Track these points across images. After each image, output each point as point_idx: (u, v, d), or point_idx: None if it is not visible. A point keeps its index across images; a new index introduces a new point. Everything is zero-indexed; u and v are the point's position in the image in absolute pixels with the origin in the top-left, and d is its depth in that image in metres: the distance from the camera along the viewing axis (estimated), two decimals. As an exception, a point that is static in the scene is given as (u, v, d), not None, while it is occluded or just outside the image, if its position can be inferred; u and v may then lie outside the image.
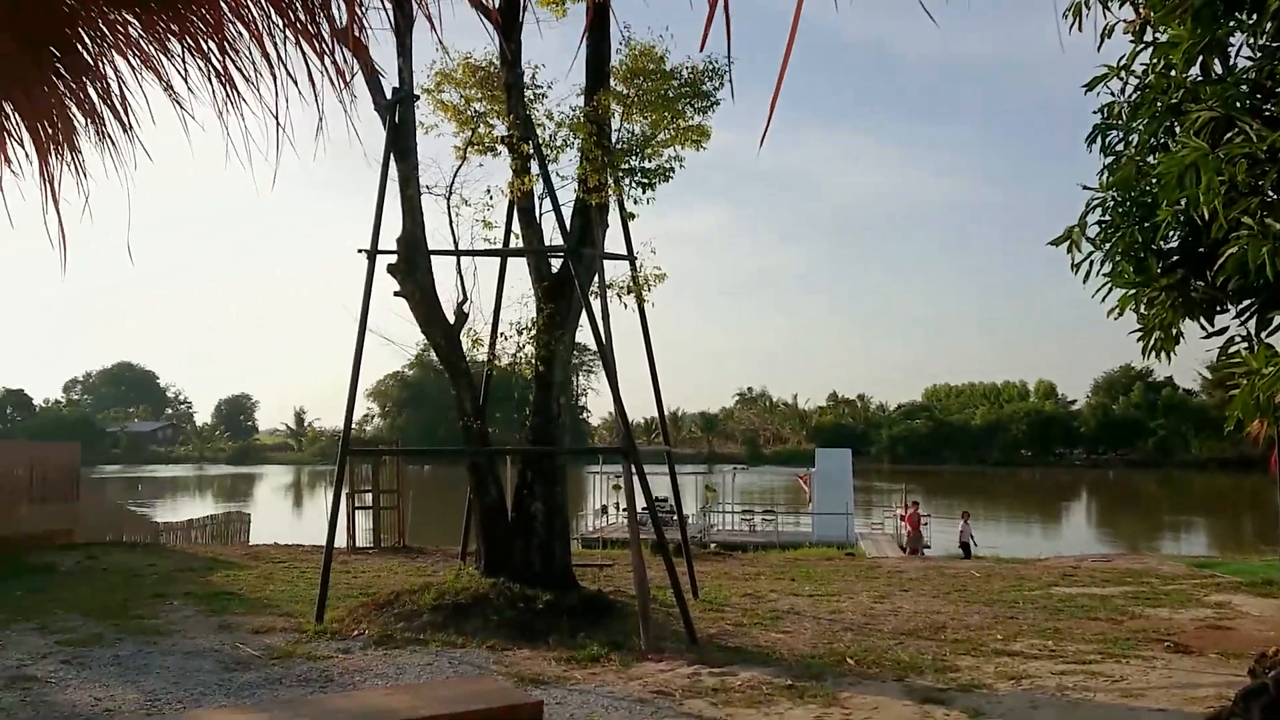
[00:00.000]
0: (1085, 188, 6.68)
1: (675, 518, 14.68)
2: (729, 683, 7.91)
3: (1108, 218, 6.61)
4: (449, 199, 12.04)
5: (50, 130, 3.25)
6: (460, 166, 12.03)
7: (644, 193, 11.62)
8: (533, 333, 11.64)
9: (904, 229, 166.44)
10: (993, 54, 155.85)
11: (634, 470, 10.61)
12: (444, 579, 11.47)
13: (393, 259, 11.37)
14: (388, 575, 14.11)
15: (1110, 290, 6.59)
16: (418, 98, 11.76)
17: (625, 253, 12.58)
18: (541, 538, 11.00)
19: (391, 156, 11.36)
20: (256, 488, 71.28)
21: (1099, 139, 6.73)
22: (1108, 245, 6.54)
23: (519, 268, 12.78)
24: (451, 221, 12.05)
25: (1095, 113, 6.76)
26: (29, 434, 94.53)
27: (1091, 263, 6.57)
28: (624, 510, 27.66)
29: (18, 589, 12.59)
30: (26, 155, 3.39)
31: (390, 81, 11.24)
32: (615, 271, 12.44)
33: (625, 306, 12.26)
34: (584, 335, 12.32)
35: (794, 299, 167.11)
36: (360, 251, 11.53)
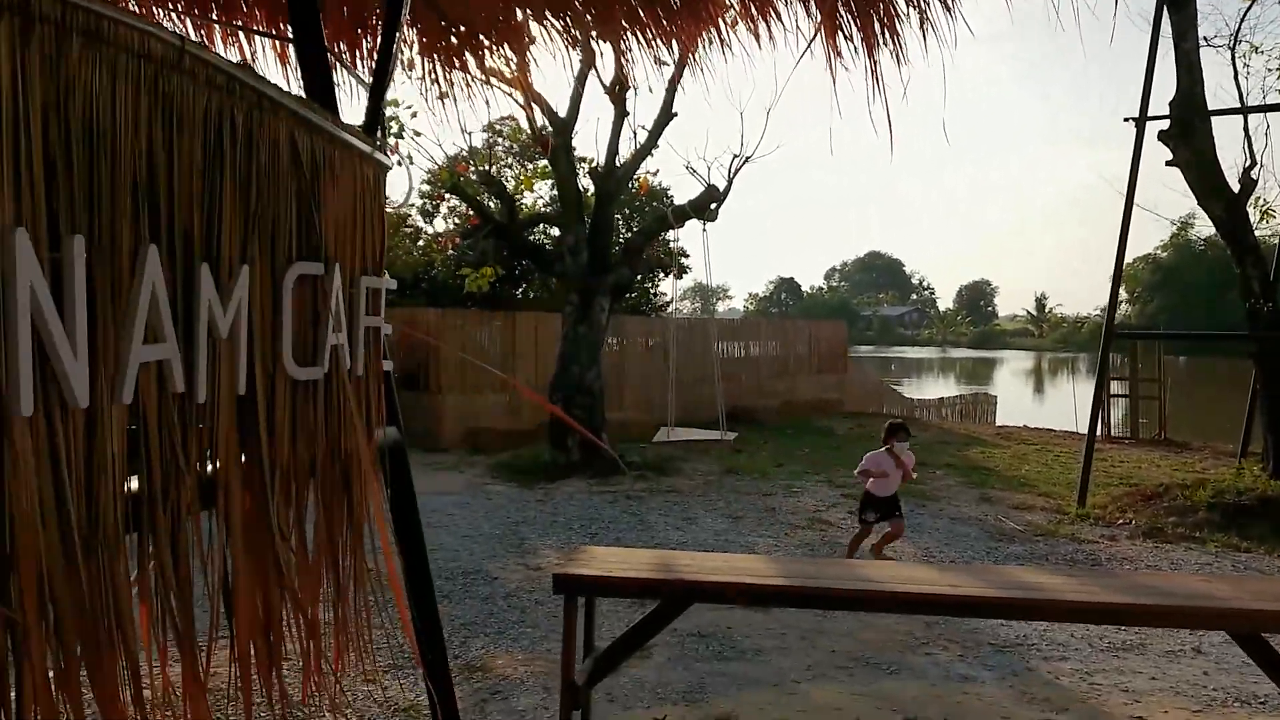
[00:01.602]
0: None
1: None
2: None
3: None
4: (1233, 49, 10.51)
5: (876, 22, 3.53)
6: (1248, 9, 10.37)
7: None
8: (1348, 198, 9.69)
9: None
10: None
11: None
12: (1220, 477, 10.42)
13: (1164, 125, 10.34)
14: (1149, 467, 13.28)
15: None
16: (1200, -66, 10.35)
17: None
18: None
19: (1164, 9, 10.23)
20: (996, 371, 72.26)
21: None
22: None
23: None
24: (1237, 75, 10.52)
25: None
26: (797, 316, 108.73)
27: None
28: None
29: (805, 446, 14.68)
30: (854, 50, 3.73)
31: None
32: None
33: None
34: None
35: None
36: (1127, 120, 10.70)
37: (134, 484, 1.37)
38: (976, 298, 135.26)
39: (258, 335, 1.63)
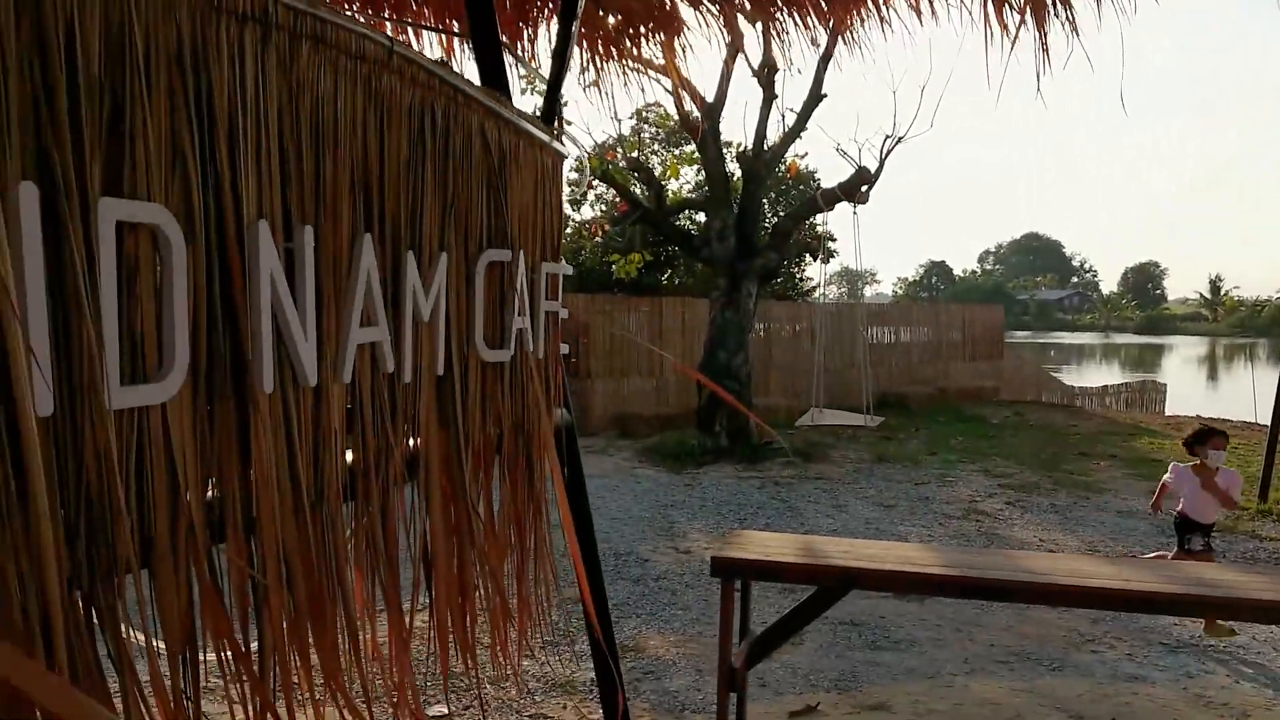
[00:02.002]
0: None
1: None
2: None
3: None
4: None
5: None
6: None
7: None
8: None
9: None
10: None
11: None
12: None
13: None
14: (1341, 463, 12.32)
15: None
16: None
17: None
18: None
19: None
20: (1165, 358, 68.30)
21: None
22: None
23: None
24: None
25: None
26: (948, 300, 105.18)
27: None
28: None
29: (958, 435, 14.26)
30: (1022, 22, 3.61)
31: None
32: None
33: None
34: None
35: None
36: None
37: (348, 457, 1.48)
38: (1144, 280, 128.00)
39: (453, 319, 1.72)
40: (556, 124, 2.26)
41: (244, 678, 1.19)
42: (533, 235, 2.03)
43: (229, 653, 1.18)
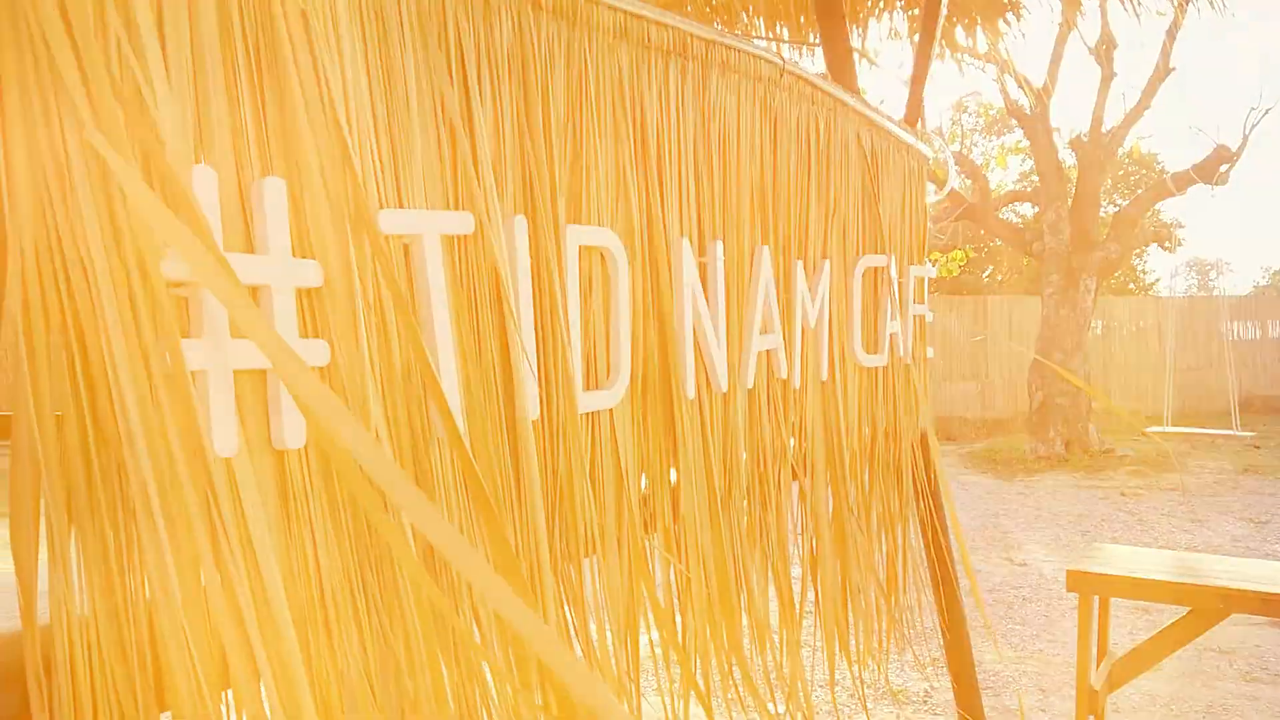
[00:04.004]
0: None
1: None
2: None
3: None
4: None
5: None
6: None
7: None
8: None
9: None
10: None
11: None
12: None
13: None
14: None
15: None
16: None
17: None
18: None
19: None
20: None
21: None
22: None
23: None
24: None
25: None
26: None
27: None
28: None
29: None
30: None
31: None
32: None
33: None
34: None
35: None
36: None
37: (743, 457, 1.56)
38: None
39: (835, 326, 1.76)
40: (920, 125, 2.24)
41: (673, 660, 1.29)
42: (901, 238, 2.03)
43: (659, 635, 1.28)
